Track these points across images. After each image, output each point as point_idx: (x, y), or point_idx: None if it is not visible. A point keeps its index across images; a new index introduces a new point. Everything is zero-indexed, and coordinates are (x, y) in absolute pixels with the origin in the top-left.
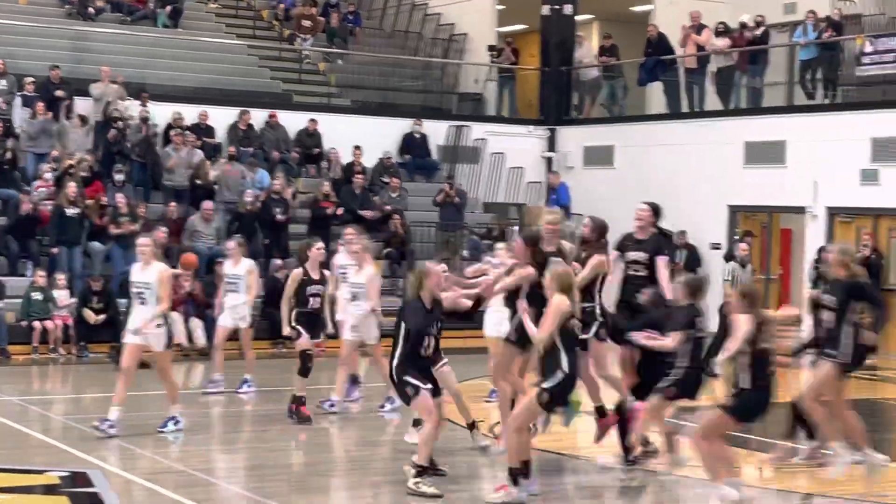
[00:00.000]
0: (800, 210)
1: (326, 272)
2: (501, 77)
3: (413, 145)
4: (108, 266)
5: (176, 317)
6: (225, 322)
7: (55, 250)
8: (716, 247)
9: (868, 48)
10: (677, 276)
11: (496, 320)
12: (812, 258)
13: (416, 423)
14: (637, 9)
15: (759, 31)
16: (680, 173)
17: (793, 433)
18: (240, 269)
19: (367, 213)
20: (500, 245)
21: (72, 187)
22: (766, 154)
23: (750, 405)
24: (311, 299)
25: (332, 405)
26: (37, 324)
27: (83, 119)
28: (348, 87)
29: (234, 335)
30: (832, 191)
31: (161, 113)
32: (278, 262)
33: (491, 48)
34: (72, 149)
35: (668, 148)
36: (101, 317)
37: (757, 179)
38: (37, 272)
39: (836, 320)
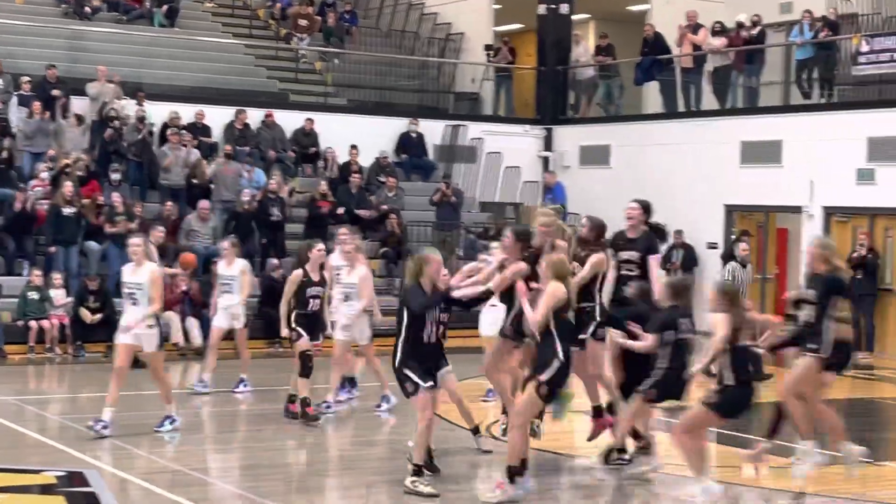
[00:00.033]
0: (796, 210)
1: (326, 274)
2: (498, 76)
3: (409, 145)
4: (105, 265)
5: (172, 316)
6: (219, 322)
7: (53, 249)
8: (712, 246)
9: (864, 48)
10: (672, 274)
11: (491, 320)
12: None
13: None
14: (633, 8)
15: (755, 31)
16: (676, 173)
17: (774, 432)
18: (234, 270)
19: (363, 213)
20: (495, 244)
21: (68, 187)
22: (762, 153)
23: (733, 401)
24: (311, 301)
25: (328, 406)
26: (33, 323)
27: (79, 118)
28: (345, 87)
29: (229, 335)
30: (828, 190)
31: (157, 112)
32: (275, 261)
33: (487, 47)
34: (68, 148)
35: (665, 147)
36: (98, 316)
37: (753, 179)
38: (33, 271)
39: (817, 315)
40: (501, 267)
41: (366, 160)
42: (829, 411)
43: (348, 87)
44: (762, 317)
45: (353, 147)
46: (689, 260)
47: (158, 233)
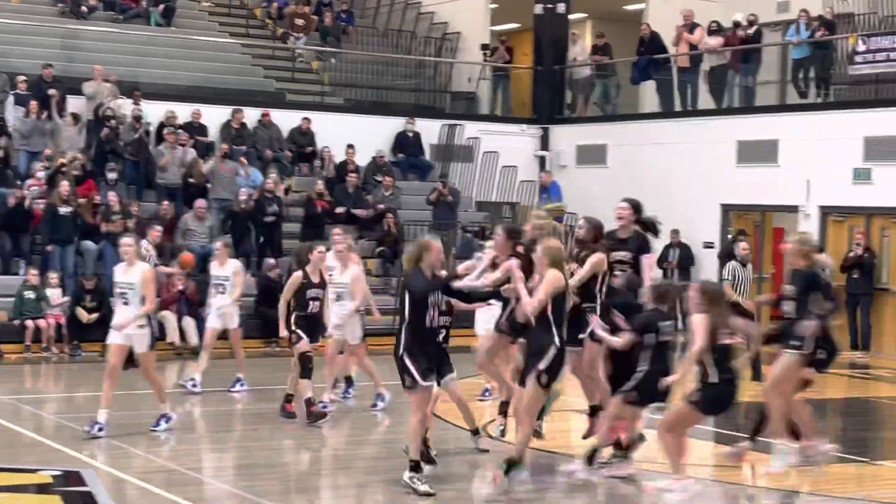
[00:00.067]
0: (792, 209)
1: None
2: (495, 76)
3: (406, 144)
4: (101, 265)
5: (169, 315)
6: (213, 323)
7: (50, 248)
8: (709, 246)
9: (860, 47)
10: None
11: (486, 319)
12: None
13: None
14: (630, 7)
15: (751, 30)
16: (673, 172)
17: (758, 432)
18: (226, 271)
19: (360, 212)
20: (489, 244)
21: (64, 186)
22: (758, 153)
23: (717, 398)
24: (310, 303)
25: (324, 406)
26: (29, 322)
27: (76, 117)
28: (341, 86)
29: (224, 335)
30: (825, 190)
31: (154, 111)
32: (271, 261)
33: (484, 47)
34: (64, 147)
35: (661, 147)
36: (94, 315)
37: (750, 178)
38: (29, 271)
39: (797, 311)
40: (494, 265)
41: (362, 159)
42: (803, 409)
43: (345, 87)
44: (744, 323)
45: (350, 146)
46: (686, 259)
47: (156, 232)
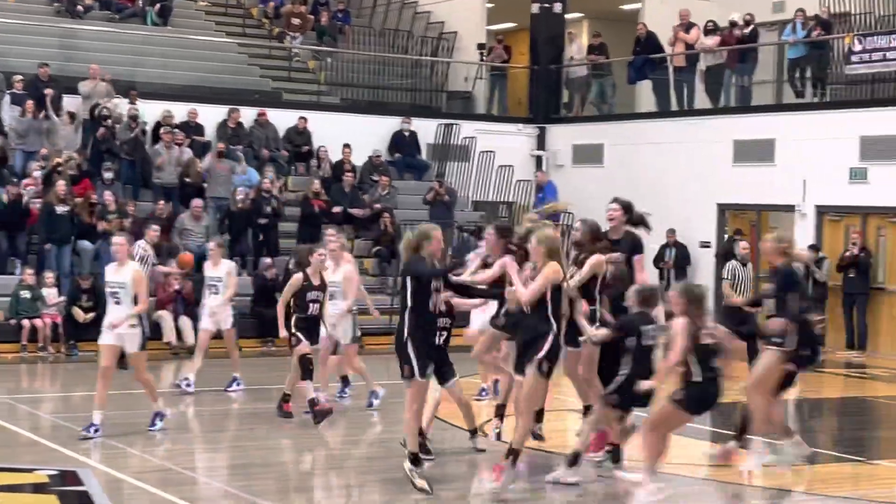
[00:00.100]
0: (789, 208)
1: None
2: (492, 75)
3: (402, 143)
4: (97, 264)
5: (165, 315)
6: (206, 324)
7: (48, 247)
8: (705, 245)
9: (857, 47)
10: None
11: (482, 320)
12: None
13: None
14: (626, 7)
15: (748, 30)
16: (669, 172)
17: (745, 431)
18: (220, 271)
19: (356, 212)
20: (482, 244)
21: (61, 185)
22: (755, 152)
23: (701, 397)
24: (311, 305)
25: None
26: (25, 322)
27: (72, 116)
28: (338, 85)
29: (219, 335)
30: (821, 189)
31: (150, 111)
32: (268, 260)
33: (480, 46)
34: (61, 146)
35: (658, 146)
36: (90, 315)
37: (746, 178)
38: (25, 270)
39: (777, 309)
40: (485, 265)
41: (359, 159)
42: (777, 407)
43: (341, 86)
44: (721, 332)
45: (347, 146)
46: (682, 259)
47: (153, 232)
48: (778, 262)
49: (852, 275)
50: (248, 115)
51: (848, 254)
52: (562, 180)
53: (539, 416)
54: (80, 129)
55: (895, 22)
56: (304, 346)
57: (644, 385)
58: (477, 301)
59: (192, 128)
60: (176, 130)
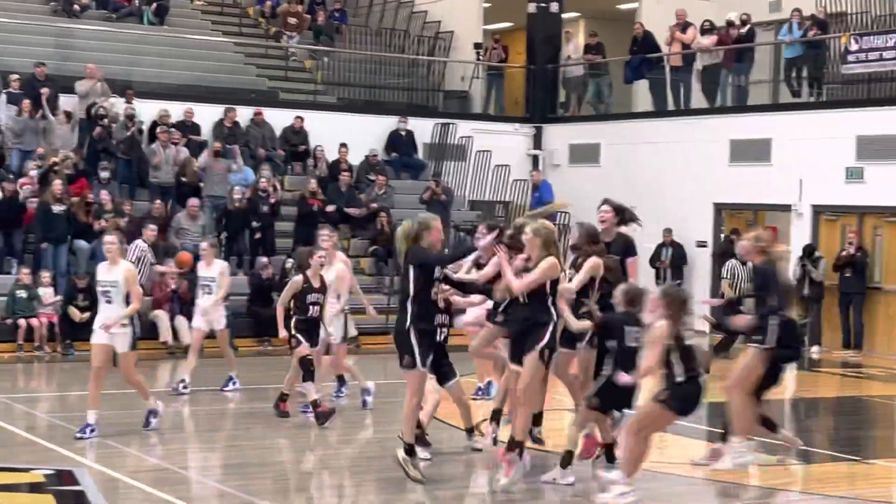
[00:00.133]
0: (785, 208)
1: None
2: (489, 75)
3: (399, 143)
4: (94, 264)
5: (161, 314)
6: (199, 324)
7: (44, 246)
8: (702, 244)
9: (853, 46)
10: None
11: (476, 314)
12: (797, 256)
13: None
14: (623, 7)
15: (744, 30)
16: (666, 171)
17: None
18: (213, 271)
19: (353, 211)
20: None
21: (57, 184)
22: (751, 152)
23: (685, 397)
24: (311, 308)
25: (306, 408)
26: (22, 321)
27: (68, 116)
28: (334, 85)
29: (213, 334)
30: (817, 189)
31: (147, 110)
32: (264, 259)
33: (477, 46)
34: (57, 145)
35: (654, 146)
36: (87, 315)
37: (742, 177)
38: (21, 269)
39: (756, 307)
40: (478, 266)
41: (355, 158)
42: (753, 408)
43: (338, 85)
44: (698, 344)
45: (343, 145)
46: (678, 258)
47: (151, 231)
48: (757, 261)
49: (848, 274)
50: (244, 114)
51: (844, 253)
52: (558, 180)
53: (538, 419)
54: (77, 129)
55: (891, 22)
56: (305, 348)
57: (622, 378)
58: (476, 299)
59: (188, 127)
60: (172, 130)
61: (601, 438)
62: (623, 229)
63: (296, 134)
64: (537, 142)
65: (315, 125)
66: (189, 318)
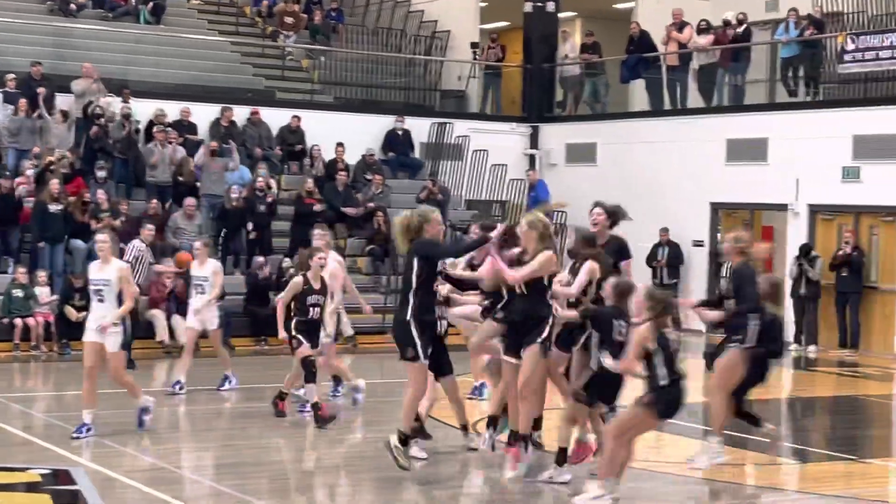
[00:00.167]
0: (782, 207)
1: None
2: (486, 74)
3: (396, 142)
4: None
5: (158, 314)
6: (192, 324)
7: (40, 245)
8: (698, 244)
9: (850, 46)
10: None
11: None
12: (794, 255)
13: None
14: (620, 6)
15: (741, 29)
16: (662, 170)
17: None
18: (206, 271)
19: (349, 210)
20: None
21: (54, 184)
22: (748, 151)
23: (669, 400)
24: (311, 309)
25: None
26: (18, 321)
27: (65, 115)
28: (331, 84)
29: (206, 333)
30: (814, 188)
31: (143, 109)
32: (260, 259)
33: (473, 45)
34: (54, 145)
35: (651, 145)
36: (83, 314)
37: (739, 177)
38: (18, 269)
39: (737, 307)
40: (472, 267)
41: (352, 158)
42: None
43: (334, 85)
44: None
45: (340, 144)
46: (675, 258)
47: (148, 231)
48: (736, 261)
49: (845, 274)
50: (241, 113)
51: (841, 253)
52: (555, 179)
53: (538, 423)
54: (73, 128)
55: (888, 21)
56: (306, 349)
57: (608, 361)
58: (472, 298)
59: (184, 126)
60: (169, 129)
61: (590, 436)
62: (617, 231)
63: (292, 133)
64: (534, 141)
65: (312, 124)
66: (185, 317)
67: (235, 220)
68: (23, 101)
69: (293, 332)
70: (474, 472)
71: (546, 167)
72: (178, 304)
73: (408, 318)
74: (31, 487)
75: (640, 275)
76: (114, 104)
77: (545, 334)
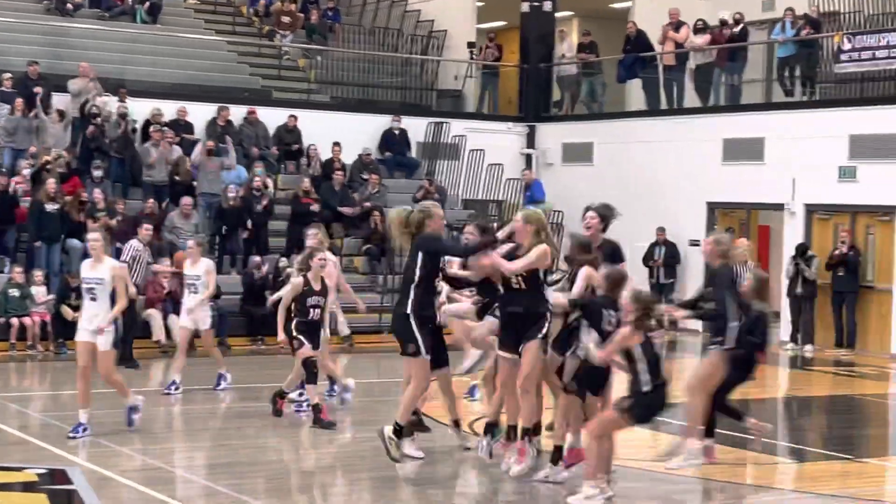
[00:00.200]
0: (778, 207)
1: (329, 282)
2: (483, 74)
3: (392, 142)
4: None
5: (154, 313)
6: (185, 323)
7: (37, 244)
8: (695, 243)
9: (846, 45)
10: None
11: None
12: (790, 255)
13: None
14: (616, 6)
15: (737, 29)
16: (659, 170)
17: (712, 430)
18: (198, 270)
19: (346, 210)
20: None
21: (51, 183)
22: (744, 151)
23: (649, 405)
24: (311, 310)
25: (300, 407)
26: (14, 320)
27: (61, 114)
28: (328, 84)
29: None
30: (810, 188)
31: (139, 109)
32: (257, 258)
33: (470, 45)
34: (50, 144)
35: (647, 145)
36: (79, 314)
37: (735, 176)
38: (14, 268)
39: (717, 309)
40: (464, 267)
41: (349, 157)
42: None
43: (331, 84)
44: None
45: (336, 144)
46: (671, 257)
47: (146, 231)
48: (717, 264)
49: (841, 273)
50: (237, 113)
51: (837, 252)
52: (552, 179)
53: (537, 429)
54: (70, 127)
55: (884, 21)
56: (307, 350)
57: (590, 350)
58: (466, 296)
59: (181, 126)
60: (165, 128)
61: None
62: (612, 232)
63: (289, 133)
64: (530, 141)
65: (308, 124)
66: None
67: (233, 219)
68: (19, 101)
69: (294, 333)
70: (470, 471)
71: (543, 167)
72: (174, 304)
73: (408, 311)
74: (27, 487)
75: (636, 275)
76: (110, 103)
77: (545, 330)
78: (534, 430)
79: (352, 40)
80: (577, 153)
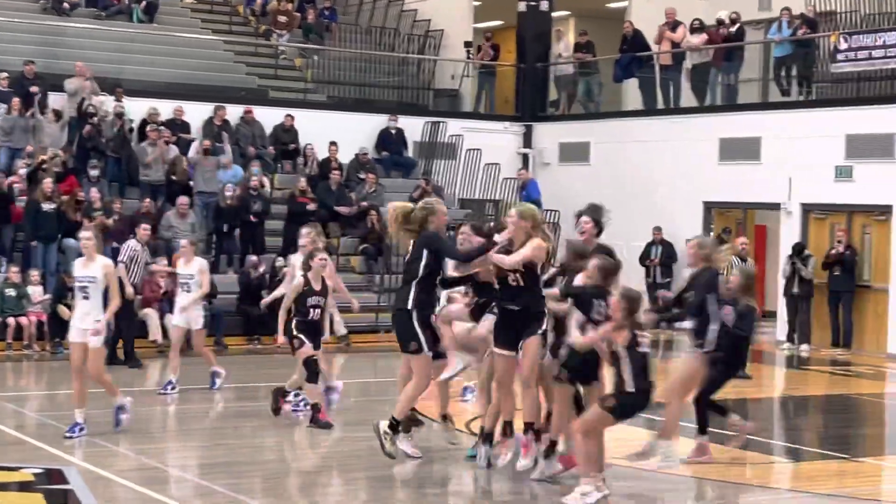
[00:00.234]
0: (774, 206)
1: (329, 283)
2: (479, 73)
3: (389, 141)
4: None
5: (151, 313)
6: (179, 322)
7: (33, 244)
8: None
9: (842, 45)
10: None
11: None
12: (787, 254)
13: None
14: (613, 5)
15: (734, 28)
16: (655, 169)
17: (705, 428)
18: (192, 269)
19: (343, 209)
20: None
21: (47, 183)
22: (740, 150)
23: (632, 405)
24: (311, 310)
25: (296, 407)
26: (10, 320)
27: (58, 114)
28: (324, 83)
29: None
30: (806, 187)
31: (136, 108)
32: (253, 258)
33: (467, 44)
34: (47, 143)
35: (644, 144)
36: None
37: (732, 176)
38: (10, 268)
39: (698, 313)
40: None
41: (345, 157)
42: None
43: (328, 84)
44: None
45: (333, 143)
46: (668, 257)
47: (144, 231)
48: (699, 267)
49: (837, 272)
50: (234, 112)
51: (833, 251)
52: (548, 178)
53: (538, 432)
54: (66, 127)
55: (880, 20)
56: (308, 349)
57: (574, 338)
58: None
59: (178, 125)
60: (162, 128)
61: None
62: (610, 231)
63: (286, 132)
64: (527, 140)
65: (305, 123)
66: None
67: (230, 218)
68: (16, 100)
69: (294, 333)
70: (466, 471)
71: (539, 166)
72: (171, 304)
73: (409, 307)
74: (23, 487)
75: (632, 274)
76: (107, 103)
77: (544, 327)
78: (536, 433)
79: (348, 40)
80: (574, 153)
